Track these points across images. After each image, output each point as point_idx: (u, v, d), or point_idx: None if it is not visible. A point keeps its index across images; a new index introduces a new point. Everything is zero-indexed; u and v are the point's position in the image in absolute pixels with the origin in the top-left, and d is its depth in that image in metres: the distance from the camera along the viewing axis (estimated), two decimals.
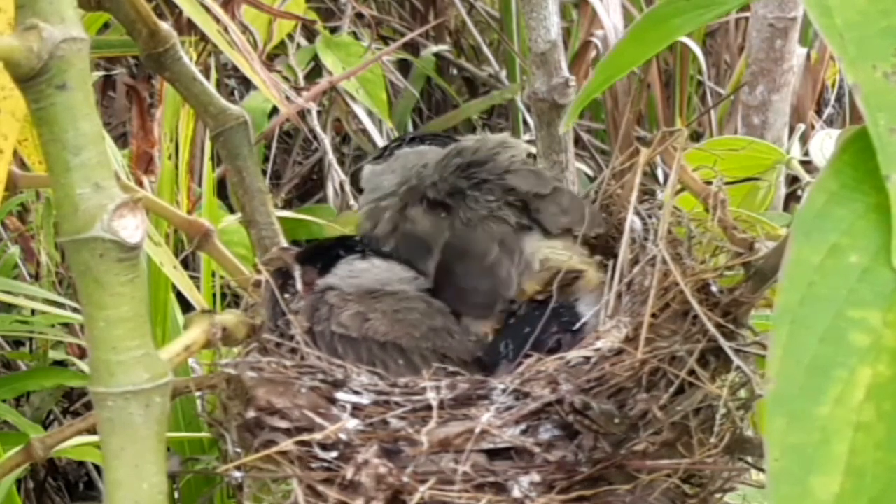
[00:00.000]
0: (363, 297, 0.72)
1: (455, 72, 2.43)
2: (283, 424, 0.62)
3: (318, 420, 0.61)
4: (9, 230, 1.67)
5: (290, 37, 1.91)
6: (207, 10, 0.82)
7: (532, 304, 0.70)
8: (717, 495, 0.66)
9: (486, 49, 2.29)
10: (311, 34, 2.01)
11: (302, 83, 1.86)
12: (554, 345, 0.67)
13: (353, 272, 0.74)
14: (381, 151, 0.83)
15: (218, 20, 0.84)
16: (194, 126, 1.48)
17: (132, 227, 0.53)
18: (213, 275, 1.41)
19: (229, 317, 0.71)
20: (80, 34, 0.53)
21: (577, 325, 0.69)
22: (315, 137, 1.89)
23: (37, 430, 1.34)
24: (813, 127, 1.70)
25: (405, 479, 0.59)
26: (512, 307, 0.72)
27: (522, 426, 0.60)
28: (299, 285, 0.73)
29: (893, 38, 0.48)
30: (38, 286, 1.54)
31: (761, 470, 0.67)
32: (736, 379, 0.65)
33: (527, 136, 2.16)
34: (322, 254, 0.76)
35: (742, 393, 0.66)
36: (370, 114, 1.93)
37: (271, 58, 1.87)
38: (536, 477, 0.59)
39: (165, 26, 0.72)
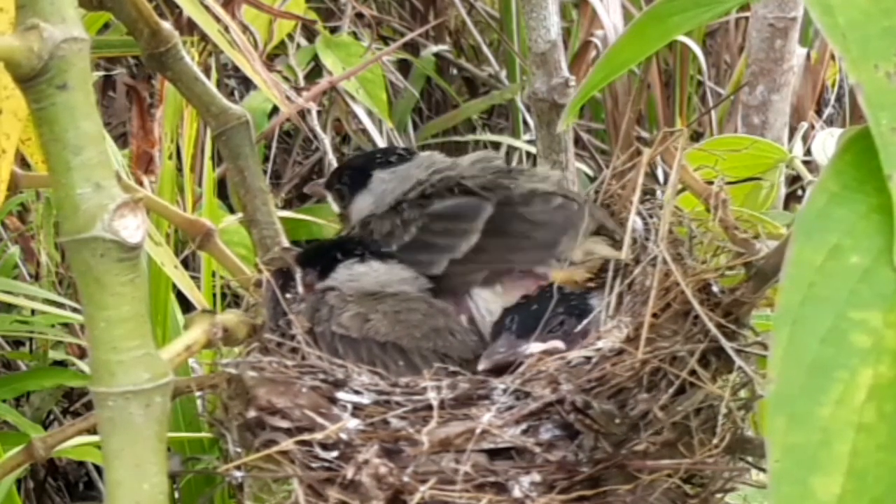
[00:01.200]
0: (364, 299, 0.72)
1: (455, 72, 2.43)
2: (284, 424, 0.62)
3: (319, 420, 0.61)
4: (9, 230, 1.67)
5: (290, 37, 1.91)
6: (208, 9, 0.82)
7: (546, 287, 0.70)
8: (718, 495, 0.66)
9: (486, 49, 2.29)
10: (311, 34, 2.01)
11: (302, 83, 1.86)
12: (557, 325, 0.67)
13: (352, 276, 0.74)
14: (377, 158, 0.81)
15: (219, 20, 0.84)
16: (198, 126, 1.48)
17: (133, 227, 0.53)
18: (214, 274, 1.41)
19: (230, 316, 0.71)
20: (81, 34, 0.53)
21: (582, 324, 0.68)
22: (315, 137, 1.89)
23: (37, 430, 1.34)
24: (813, 127, 1.69)
25: (406, 478, 0.59)
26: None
27: (523, 426, 0.60)
28: (300, 287, 0.73)
29: (895, 38, 0.48)
30: (38, 286, 1.54)
31: (762, 470, 0.67)
32: (737, 379, 0.65)
33: (527, 136, 2.16)
34: (321, 256, 0.75)
35: (743, 393, 0.66)
36: (370, 114, 1.93)
37: (271, 58, 1.87)
38: (537, 477, 0.59)
39: (167, 26, 0.72)
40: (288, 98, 1.51)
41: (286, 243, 0.79)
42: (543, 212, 0.73)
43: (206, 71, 1.61)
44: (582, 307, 0.69)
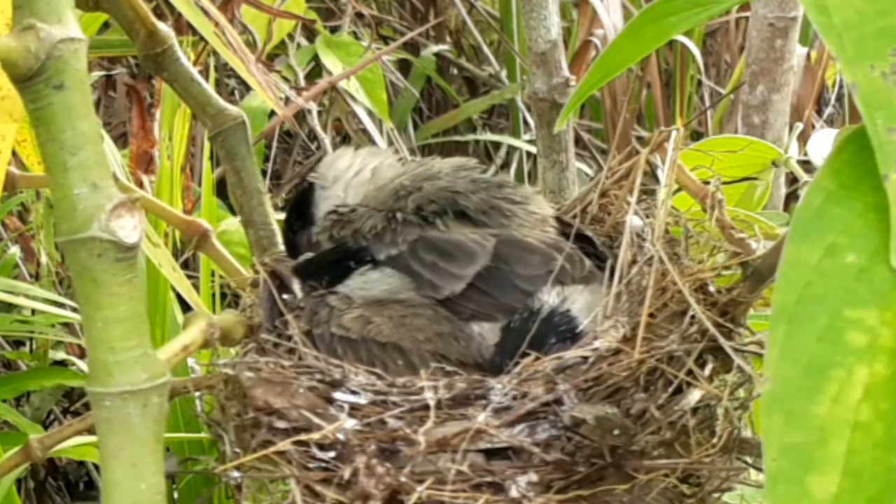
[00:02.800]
0: (370, 304, 0.72)
1: (455, 72, 2.43)
2: (281, 424, 0.62)
3: (316, 420, 0.61)
4: (9, 230, 1.67)
5: (291, 37, 1.91)
6: (205, 11, 0.82)
7: (526, 313, 0.70)
8: (715, 495, 0.66)
9: (486, 49, 2.29)
10: (311, 34, 2.01)
11: (302, 83, 1.86)
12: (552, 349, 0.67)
13: (367, 282, 0.73)
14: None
15: (216, 23, 0.84)
16: (189, 126, 1.48)
17: (130, 227, 0.53)
18: (213, 275, 1.41)
19: (227, 317, 0.70)
20: (78, 34, 0.53)
21: (579, 329, 0.68)
22: (315, 137, 1.89)
23: (37, 430, 1.34)
24: (813, 127, 1.69)
25: (403, 478, 0.59)
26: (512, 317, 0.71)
27: (520, 426, 0.60)
28: (299, 296, 0.72)
29: (891, 38, 0.48)
30: (38, 286, 1.54)
31: (759, 469, 0.67)
32: (734, 379, 0.65)
33: (527, 136, 2.16)
34: (328, 267, 0.74)
35: (740, 392, 0.66)
36: (370, 114, 1.93)
37: (271, 57, 1.87)
38: (534, 476, 0.59)
39: (163, 27, 0.72)
40: (287, 99, 1.51)
41: (281, 245, 0.78)
42: (532, 278, 0.72)
43: (206, 71, 1.61)
44: (571, 326, 0.68)
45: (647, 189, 0.75)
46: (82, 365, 1.51)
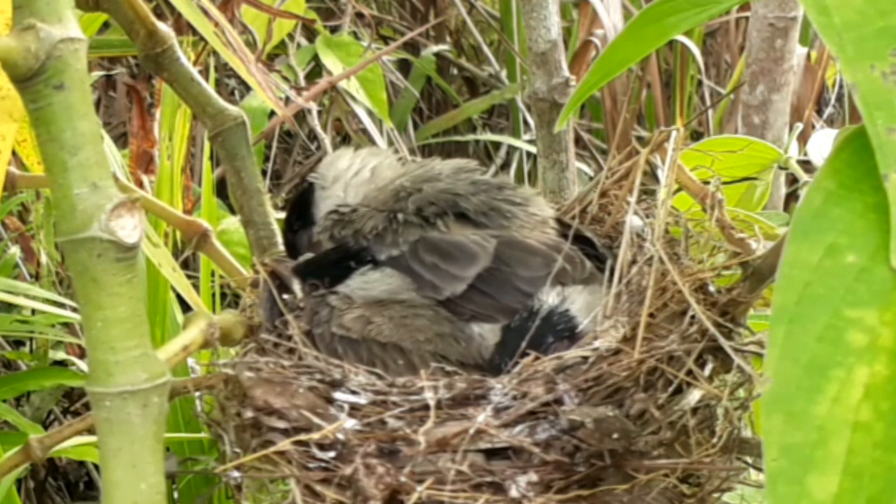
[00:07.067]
0: (371, 304, 0.72)
1: (455, 72, 2.43)
2: (281, 424, 0.62)
3: (316, 420, 0.61)
4: (9, 230, 1.67)
5: (291, 37, 1.92)
6: (205, 11, 0.82)
7: (526, 313, 0.70)
8: (715, 495, 0.66)
9: (486, 49, 2.29)
10: (311, 34, 2.01)
11: (302, 83, 1.86)
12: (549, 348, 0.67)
13: (367, 282, 0.73)
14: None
15: (216, 23, 0.84)
16: (189, 126, 1.48)
17: (130, 227, 0.53)
18: (213, 274, 1.41)
19: (227, 317, 0.71)
20: (78, 34, 0.53)
21: (578, 329, 0.68)
22: (315, 137, 1.89)
23: (37, 430, 1.34)
24: (813, 127, 1.69)
25: (403, 478, 0.59)
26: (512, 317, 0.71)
27: (520, 426, 0.60)
28: (299, 296, 0.72)
29: (891, 38, 0.48)
30: (38, 286, 1.54)
31: (760, 469, 0.67)
32: (734, 379, 0.65)
33: (527, 136, 2.16)
34: (329, 267, 0.74)
35: (740, 392, 0.66)
36: (370, 114, 1.93)
37: (271, 57, 1.87)
38: (534, 476, 0.59)
39: (163, 27, 0.72)
40: (287, 98, 1.51)
41: (281, 245, 0.78)
42: (531, 279, 0.72)
43: (206, 71, 1.61)
44: (570, 326, 0.68)
45: (647, 189, 0.75)
46: (82, 365, 1.51)
